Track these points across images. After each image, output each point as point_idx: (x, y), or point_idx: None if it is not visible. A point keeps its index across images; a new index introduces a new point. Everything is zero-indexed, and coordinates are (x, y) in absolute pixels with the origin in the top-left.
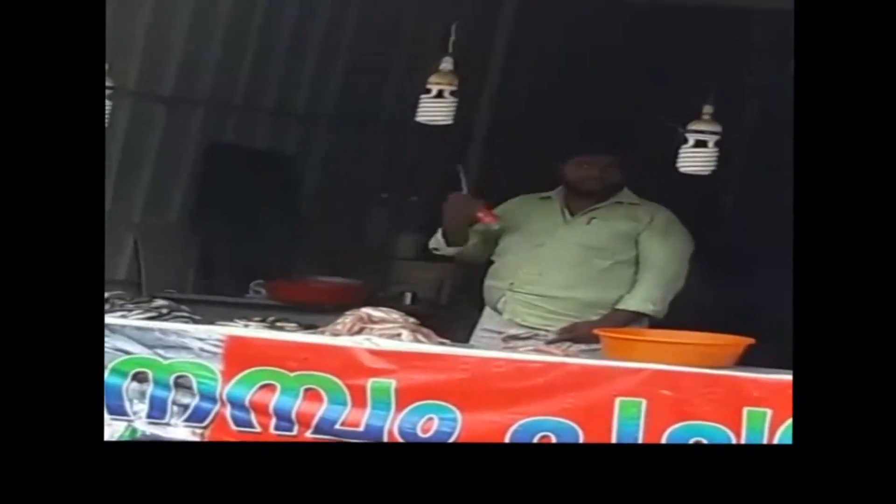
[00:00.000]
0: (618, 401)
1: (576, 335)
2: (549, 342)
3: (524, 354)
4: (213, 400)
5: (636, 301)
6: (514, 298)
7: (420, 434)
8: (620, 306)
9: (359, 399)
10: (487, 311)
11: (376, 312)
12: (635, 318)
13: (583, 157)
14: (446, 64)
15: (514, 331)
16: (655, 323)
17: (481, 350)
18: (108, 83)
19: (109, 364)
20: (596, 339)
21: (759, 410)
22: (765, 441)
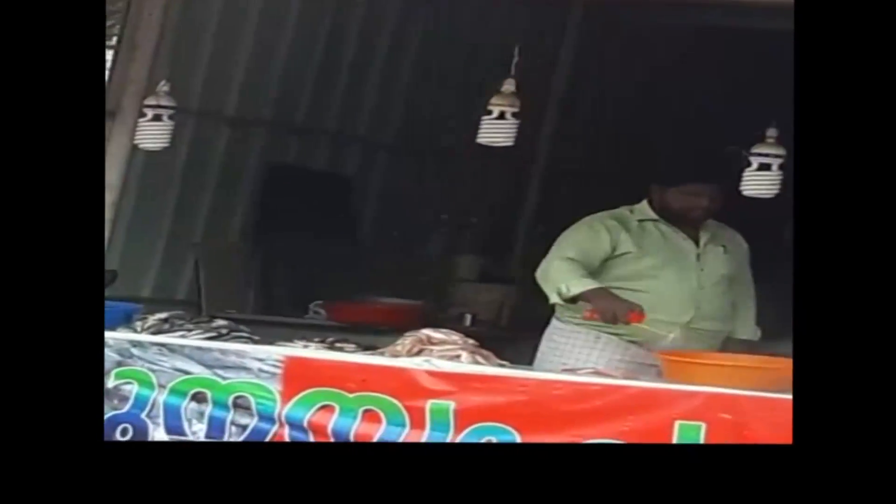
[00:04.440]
0: (677, 424)
1: None
2: None
3: (583, 377)
4: (271, 420)
5: (750, 330)
6: (683, 335)
7: None
8: (742, 336)
9: (418, 420)
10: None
11: (436, 334)
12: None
13: (690, 186)
14: (508, 85)
15: None
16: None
17: (540, 372)
18: (170, 103)
19: (169, 384)
20: None
21: None
22: None
